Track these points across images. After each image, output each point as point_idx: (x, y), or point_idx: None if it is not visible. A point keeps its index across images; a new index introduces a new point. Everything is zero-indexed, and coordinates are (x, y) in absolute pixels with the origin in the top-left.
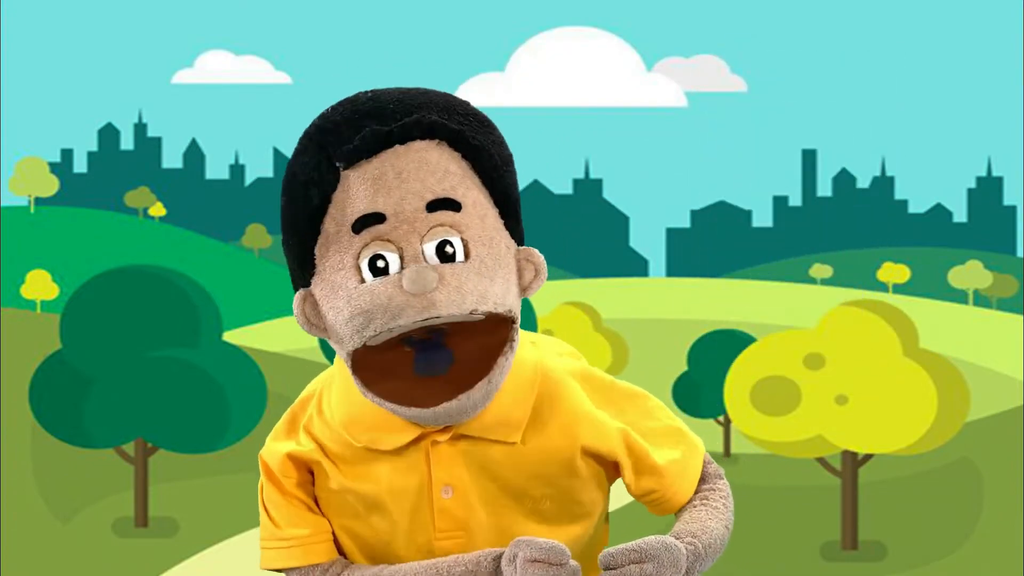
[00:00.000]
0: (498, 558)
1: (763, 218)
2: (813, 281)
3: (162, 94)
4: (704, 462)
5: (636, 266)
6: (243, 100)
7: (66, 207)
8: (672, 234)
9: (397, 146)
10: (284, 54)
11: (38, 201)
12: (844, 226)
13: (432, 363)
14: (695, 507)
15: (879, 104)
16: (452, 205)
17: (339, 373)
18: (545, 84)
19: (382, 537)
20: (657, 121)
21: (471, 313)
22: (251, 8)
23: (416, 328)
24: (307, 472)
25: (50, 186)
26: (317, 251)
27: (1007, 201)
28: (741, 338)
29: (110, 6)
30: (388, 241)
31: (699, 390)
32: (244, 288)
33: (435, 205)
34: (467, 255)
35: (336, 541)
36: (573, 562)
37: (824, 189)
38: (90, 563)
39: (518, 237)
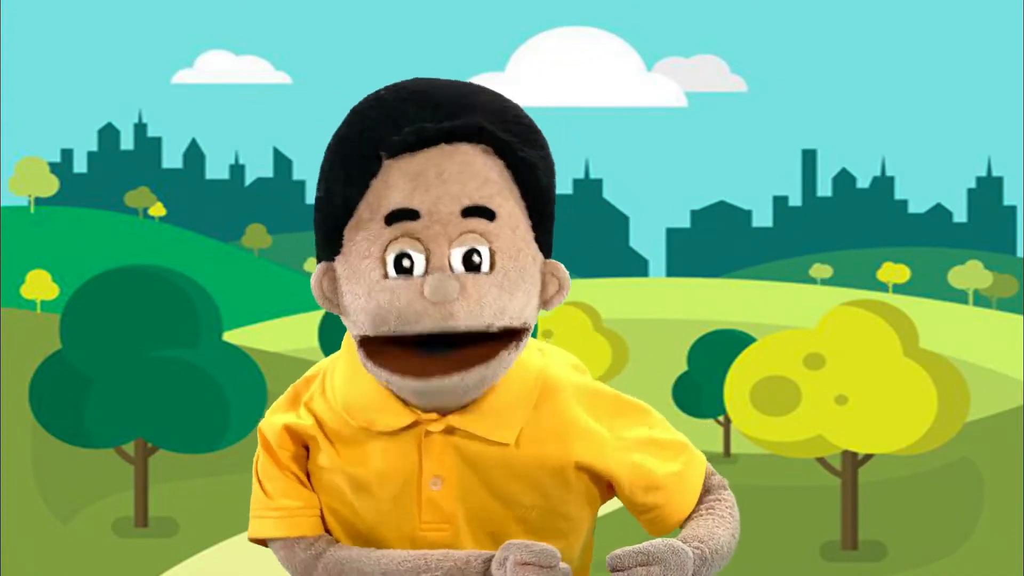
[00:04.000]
0: (488, 560)
1: (763, 218)
2: (813, 281)
3: (162, 94)
4: (707, 474)
5: (636, 266)
6: (243, 100)
7: (66, 207)
8: (672, 234)
9: (444, 145)
10: (284, 54)
11: (38, 201)
12: (844, 226)
13: (439, 347)
14: (701, 516)
15: (879, 104)
16: (487, 214)
17: (345, 355)
18: (545, 84)
19: (367, 521)
20: (657, 121)
21: (488, 327)
22: (251, 8)
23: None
24: (302, 447)
25: (50, 186)
26: (347, 232)
27: (1007, 201)
28: (741, 338)
29: (110, 6)
30: (417, 240)
31: (699, 390)
32: (244, 288)
33: (470, 211)
34: (492, 266)
35: (323, 520)
36: (563, 565)
37: (824, 189)
38: (90, 563)
39: (546, 249)
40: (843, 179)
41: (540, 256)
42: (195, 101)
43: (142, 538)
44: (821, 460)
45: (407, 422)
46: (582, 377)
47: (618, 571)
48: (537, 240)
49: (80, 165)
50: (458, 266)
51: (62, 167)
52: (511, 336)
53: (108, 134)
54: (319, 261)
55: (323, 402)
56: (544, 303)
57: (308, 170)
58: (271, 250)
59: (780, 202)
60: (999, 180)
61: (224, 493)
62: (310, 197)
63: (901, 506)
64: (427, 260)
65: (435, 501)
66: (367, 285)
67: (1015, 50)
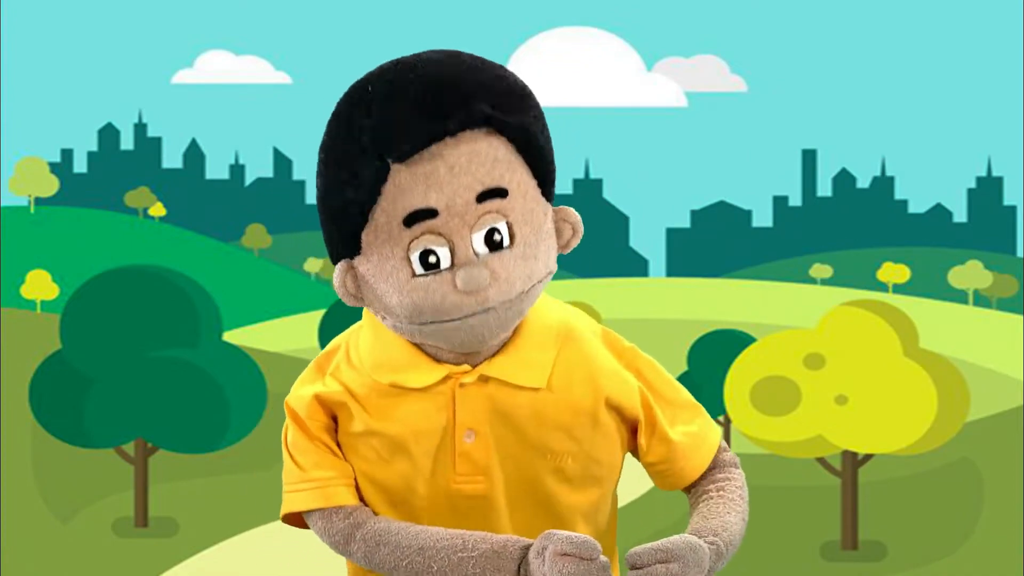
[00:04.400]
0: (526, 548)
1: (763, 218)
2: (813, 281)
3: (162, 94)
4: (720, 448)
5: (636, 266)
6: (243, 100)
7: (66, 207)
8: (672, 234)
9: (447, 138)
10: (284, 54)
11: (38, 201)
12: (844, 226)
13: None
14: (711, 498)
15: (879, 104)
16: (500, 193)
17: (367, 324)
18: (545, 84)
19: (404, 481)
20: (657, 121)
21: (519, 294)
22: (251, 8)
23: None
24: (331, 418)
25: (50, 186)
26: (364, 236)
27: (1007, 201)
28: (741, 338)
29: (110, 6)
30: (439, 235)
31: (699, 390)
32: (244, 288)
33: (485, 195)
34: (512, 238)
35: (358, 489)
36: (603, 558)
37: (824, 189)
38: (90, 563)
39: (552, 197)
40: (843, 179)
41: (549, 207)
42: (195, 101)
43: (142, 538)
44: (821, 460)
45: (440, 376)
46: (601, 328)
47: (637, 568)
48: (544, 195)
49: (80, 165)
50: (481, 248)
51: (62, 167)
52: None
53: (108, 134)
54: (335, 260)
55: (350, 370)
56: (563, 247)
57: (308, 170)
58: (271, 250)
59: (780, 202)
60: (999, 180)
61: (224, 493)
62: (310, 197)
63: (901, 506)
64: (452, 252)
65: (469, 453)
66: (397, 285)
67: (1015, 50)
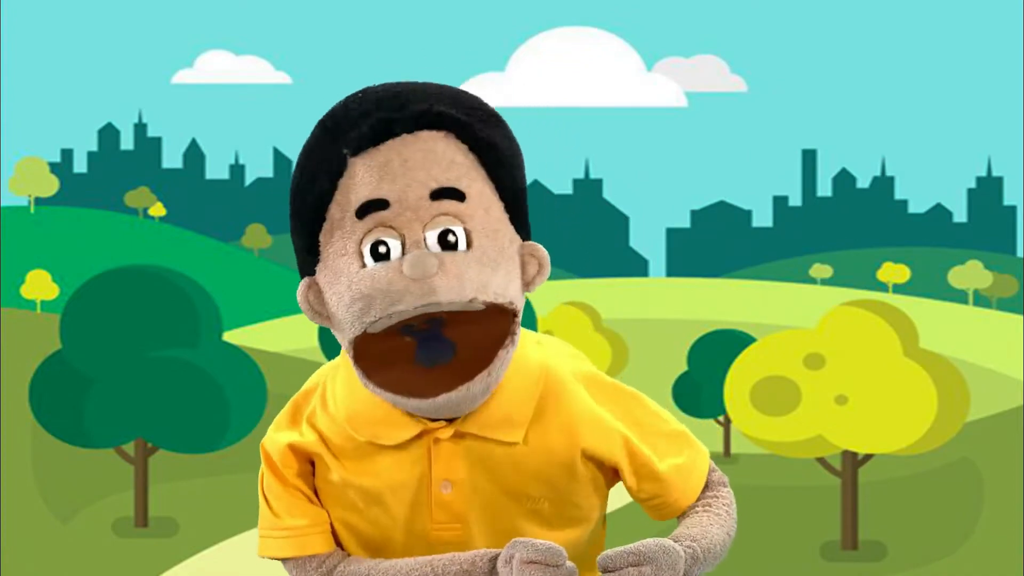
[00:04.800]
0: (494, 559)
1: (763, 218)
2: (813, 281)
3: (162, 94)
4: (709, 469)
5: (636, 266)
6: (243, 100)
7: (66, 207)
8: (672, 234)
9: (405, 135)
10: (284, 54)
11: (38, 201)
12: (844, 226)
13: (433, 353)
14: (697, 512)
15: (879, 104)
16: (456, 195)
17: (343, 365)
18: (545, 84)
19: (381, 531)
20: (657, 121)
21: (471, 301)
22: (251, 8)
23: (416, 316)
24: (308, 463)
25: (50, 186)
26: (322, 238)
27: (1007, 201)
28: (741, 338)
29: (110, 6)
30: (391, 227)
31: (699, 390)
32: (244, 288)
33: (439, 194)
34: (469, 245)
35: (335, 533)
36: (569, 563)
37: (824, 189)
38: (90, 563)
39: (523, 232)
40: (843, 179)
41: (518, 238)
42: (195, 101)
43: (142, 538)
44: (821, 460)
45: (414, 433)
46: (581, 364)
47: (609, 571)
48: (513, 222)
49: (80, 165)
50: (435, 247)
51: (62, 167)
52: (501, 326)
53: (108, 134)
54: (302, 277)
55: (325, 416)
56: (525, 284)
57: None
58: (271, 250)
59: (780, 202)
60: (999, 180)
61: (224, 493)
62: None
63: (901, 506)
64: (403, 244)
65: (446, 504)
66: (347, 279)
67: (1015, 50)
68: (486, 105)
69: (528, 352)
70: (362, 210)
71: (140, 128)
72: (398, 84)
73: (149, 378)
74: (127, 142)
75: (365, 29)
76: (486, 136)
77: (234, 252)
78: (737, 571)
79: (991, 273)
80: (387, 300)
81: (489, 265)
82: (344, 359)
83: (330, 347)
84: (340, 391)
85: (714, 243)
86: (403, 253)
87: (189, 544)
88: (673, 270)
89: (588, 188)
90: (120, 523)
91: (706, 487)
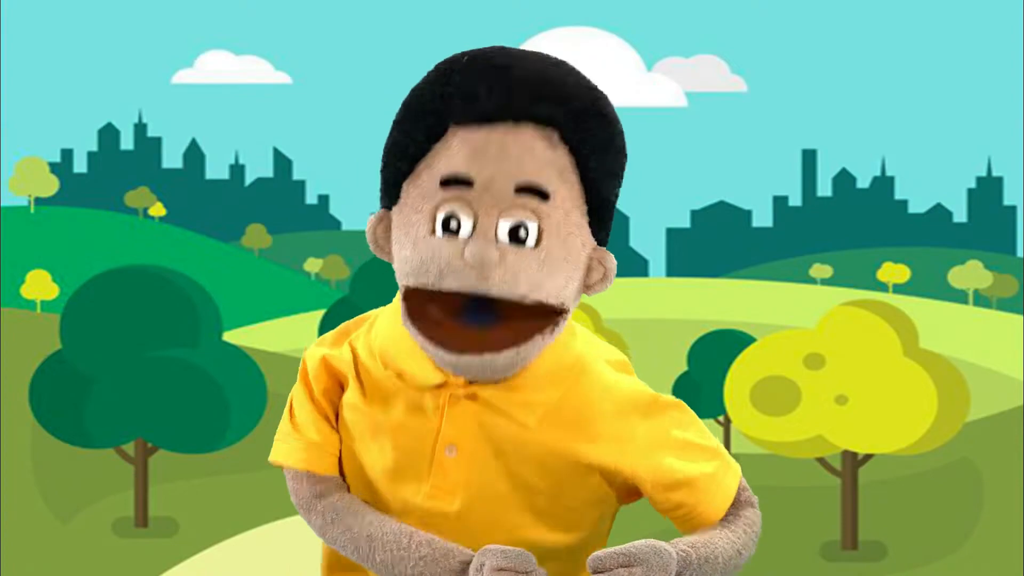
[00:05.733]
0: (467, 562)
1: (763, 218)
2: (813, 281)
3: (162, 94)
4: (739, 488)
5: (636, 266)
6: (243, 100)
7: (66, 207)
8: (672, 234)
9: (510, 123)
10: (284, 54)
11: (38, 201)
12: (844, 226)
13: (477, 316)
14: (714, 527)
15: (879, 104)
16: (540, 193)
17: (394, 306)
18: None
19: (376, 469)
20: (657, 121)
21: (522, 298)
22: (251, 8)
23: (467, 293)
24: (337, 383)
25: (50, 186)
26: (406, 184)
27: (1007, 201)
28: (741, 338)
29: (110, 6)
30: (468, 205)
31: (699, 390)
32: (244, 288)
33: (524, 189)
34: (538, 242)
35: (340, 461)
36: (540, 569)
37: (824, 189)
38: (90, 563)
39: (600, 238)
40: (843, 179)
41: (591, 242)
42: (195, 101)
43: (142, 538)
44: (821, 460)
45: (437, 381)
46: (618, 375)
47: (599, 572)
48: (591, 226)
49: (80, 165)
50: (504, 237)
51: (62, 167)
52: (547, 319)
53: (108, 134)
54: (381, 207)
55: (367, 343)
56: (587, 287)
57: (308, 170)
58: (271, 250)
59: (780, 202)
60: (999, 180)
61: (224, 493)
62: (310, 197)
63: (901, 506)
64: (474, 225)
65: (445, 468)
66: (414, 238)
67: (1015, 50)
68: (603, 107)
69: (572, 342)
70: (446, 181)
71: (140, 128)
72: (526, 61)
73: (149, 378)
74: (127, 142)
75: (365, 29)
76: (590, 142)
77: (234, 252)
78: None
79: (991, 273)
80: (440, 275)
81: (551, 266)
82: (394, 305)
83: None
84: (384, 327)
85: (714, 243)
86: (472, 234)
87: (189, 544)
88: (673, 270)
89: None
90: (120, 523)
91: (734, 505)
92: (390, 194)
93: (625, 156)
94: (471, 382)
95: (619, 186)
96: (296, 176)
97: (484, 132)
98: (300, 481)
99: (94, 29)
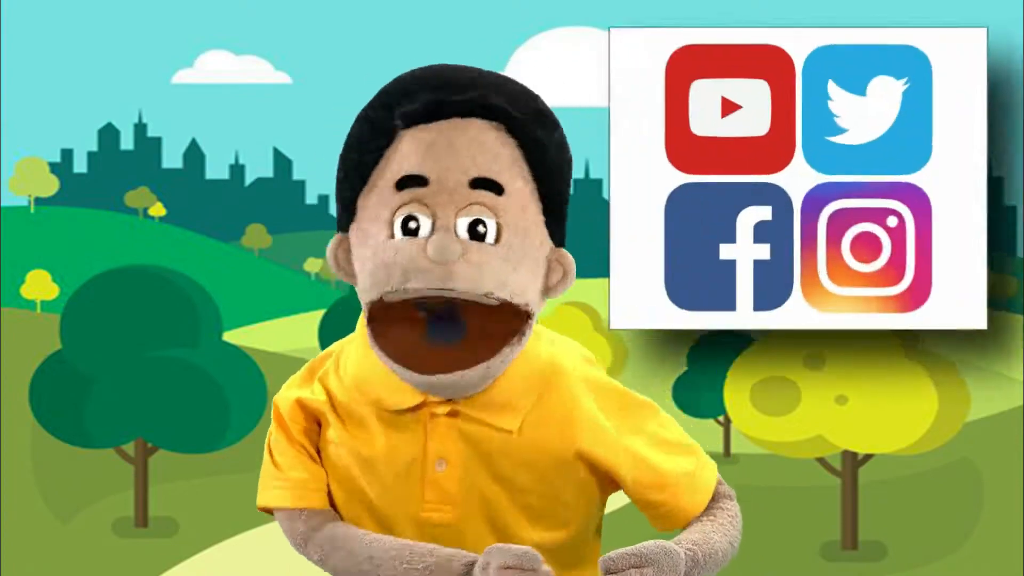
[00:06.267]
0: (471, 564)
1: None
2: None
3: (162, 94)
4: (716, 482)
5: None
6: (243, 100)
7: (66, 207)
8: None
9: (456, 119)
10: (284, 54)
11: (38, 201)
12: None
13: (444, 332)
14: (700, 521)
15: None
16: (495, 187)
17: (360, 333)
18: (545, 84)
19: (372, 497)
20: None
21: (486, 295)
22: (251, 8)
23: (431, 296)
24: (315, 422)
25: (50, 186)
26: (361, 199)
27: (1007, 201)
28: (741, 338)
29: (110, 6)
30: (425, 205)
31: (699, 390)
32: (244, 288)
33: (478, 183)
34: (498, 239)
35: (331, 495)
36: (545, 567)
37: None
38: (90, 563)
39: (557, 238)
40: None
41: (549, 242)
42: (195, 101)
43: (142, 538)
44: (821, 460)
45: (415, 402)
46: (591, 369)
47: (612, 573)
48: (548, 226)
49: (80, 165)
50: (463, 234)
51: (62, 167)
52: (513, 327)
53: (108, 134)
54: (338, 231)
55: (336, 379)
56: (547, 290)
57: (308, 170)
58: (271, 250)
59: None
60: (999, 180)
61: (224, 493)
62: (310, 197)
63: (901, 506)
64: (433, 223)
65: (439, 482)
66: (374, 246)
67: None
68: (543, 106)
69: (539, 346)
70: (401, 183)
71: (140, 128)
72: (463, 68)
73: (149, 378)
74: (127, 142)
75: (365, 29)
76: (536, 136)
77: (234, 252)
78: (737, 571)
79: (991, 273)
80: (405, 275)
81: (512, 263)
82: (362, 327)
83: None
84: (353, 356)
85: None
86: (431, 232)
87: (189, 544)
88: None
89: (588, 188)
90: (120, 523)
91: (712, 499)
92: (347, 213)
93: (570, 155)
94: (448, 399)
95: (569, 183)
96: (296, 176)
97: (433, 129)
98: (294, 519)
99: (94, 29)
